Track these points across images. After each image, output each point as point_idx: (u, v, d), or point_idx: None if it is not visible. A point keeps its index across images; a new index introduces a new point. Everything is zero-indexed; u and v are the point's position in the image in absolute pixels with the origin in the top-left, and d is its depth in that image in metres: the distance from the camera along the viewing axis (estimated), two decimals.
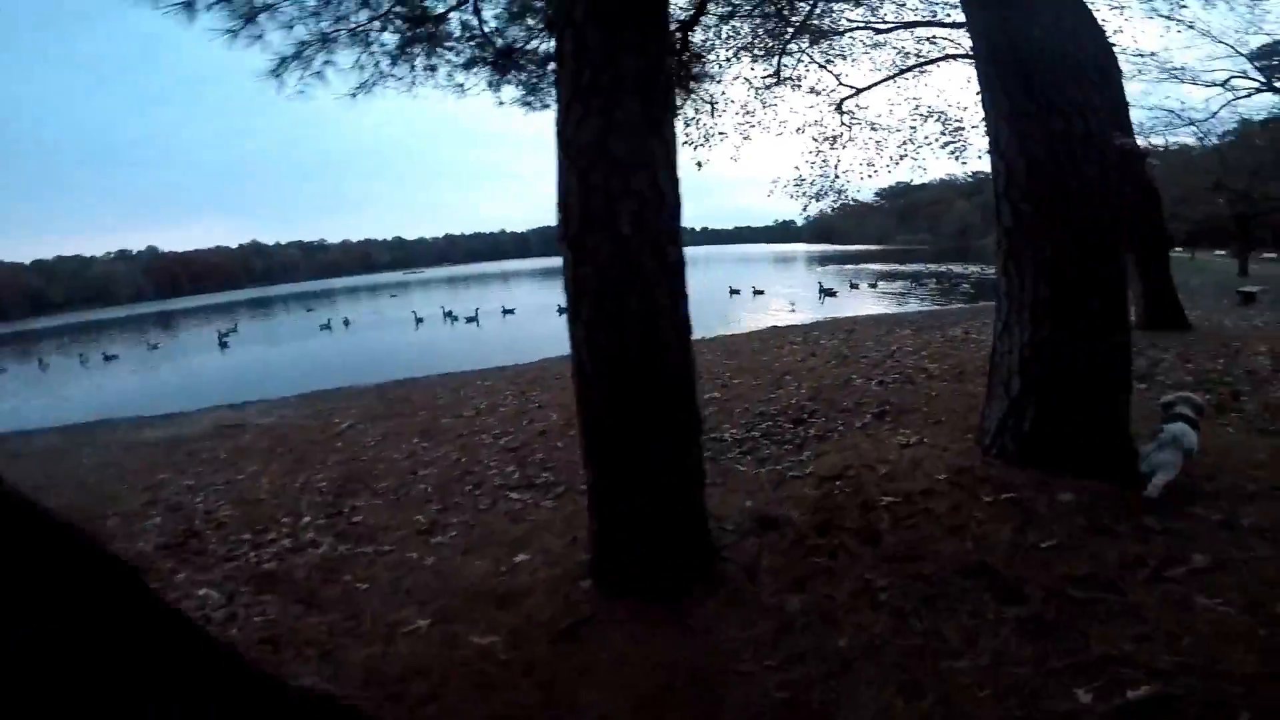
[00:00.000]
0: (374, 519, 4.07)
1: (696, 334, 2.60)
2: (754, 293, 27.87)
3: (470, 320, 26.54)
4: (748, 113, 9.18)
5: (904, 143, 9.83)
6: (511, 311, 27.82)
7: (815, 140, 9.89)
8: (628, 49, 2.26)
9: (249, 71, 4.73)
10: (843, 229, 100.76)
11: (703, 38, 7.63)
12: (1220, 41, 10.83)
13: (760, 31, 8.12)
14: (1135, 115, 9.25)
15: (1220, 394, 4.69)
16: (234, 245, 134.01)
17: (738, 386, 6.84)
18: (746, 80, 8.92)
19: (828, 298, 24.90)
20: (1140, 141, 9.93)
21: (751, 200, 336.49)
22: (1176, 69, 10.72)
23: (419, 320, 27.81)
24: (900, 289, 27.51)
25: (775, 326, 15.51)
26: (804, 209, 10.57)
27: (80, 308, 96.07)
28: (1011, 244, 3.26)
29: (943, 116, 9.69)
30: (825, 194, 10.27)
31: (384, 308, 41.20)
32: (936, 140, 9.71)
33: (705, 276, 37.15)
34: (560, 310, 20.34)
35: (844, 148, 9.93)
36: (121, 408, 12.23)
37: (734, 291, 28.87)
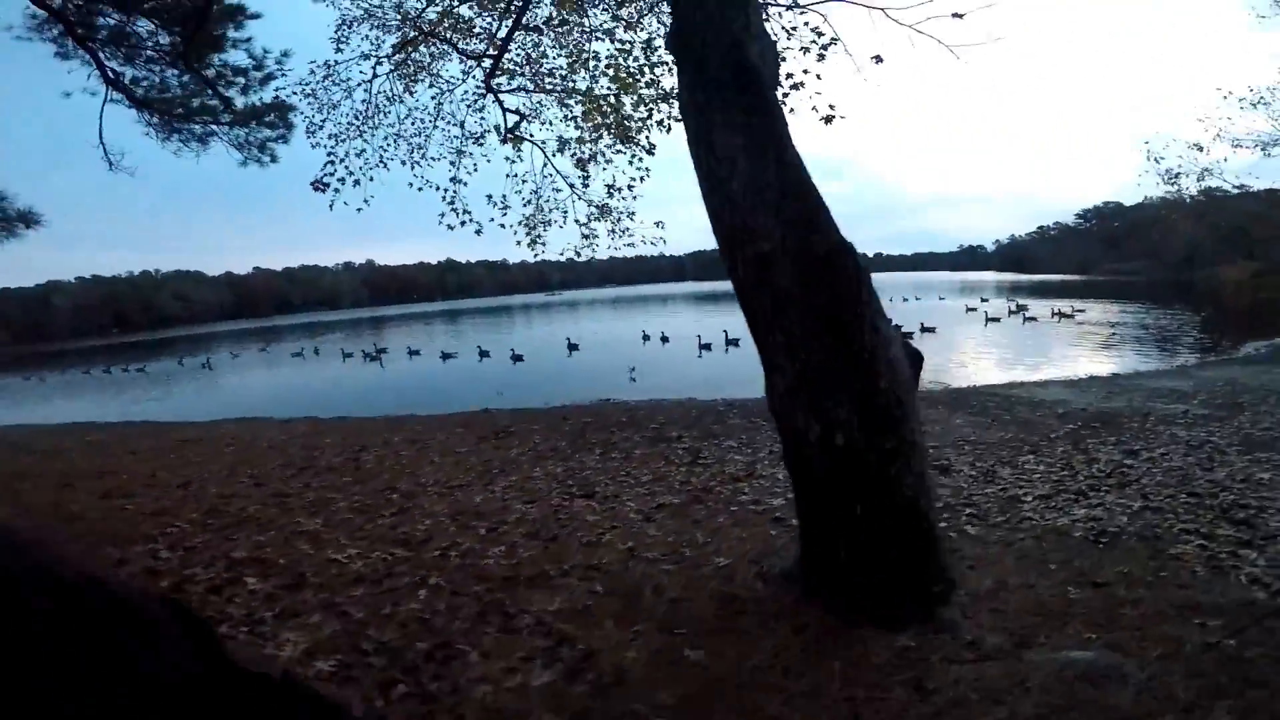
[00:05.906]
0: None
1: None
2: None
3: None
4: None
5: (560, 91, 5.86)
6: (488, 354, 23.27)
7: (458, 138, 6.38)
8: None
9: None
10: (1036, 255, 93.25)
11: None
12: None
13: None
14: None
15: None
16: (433, 262, 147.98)
17: None
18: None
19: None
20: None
21: (936, 223, 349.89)
22: None
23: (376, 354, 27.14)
24: (1094, 331, 21.28)
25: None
26: (582, 247, 6.85)
27: (313, 309, 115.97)
28: None
29: (612, 32, 5.60)
30: (543, 222, 6.55)
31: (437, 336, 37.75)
32: (625, 79, 5.39)
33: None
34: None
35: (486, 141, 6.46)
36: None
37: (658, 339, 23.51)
